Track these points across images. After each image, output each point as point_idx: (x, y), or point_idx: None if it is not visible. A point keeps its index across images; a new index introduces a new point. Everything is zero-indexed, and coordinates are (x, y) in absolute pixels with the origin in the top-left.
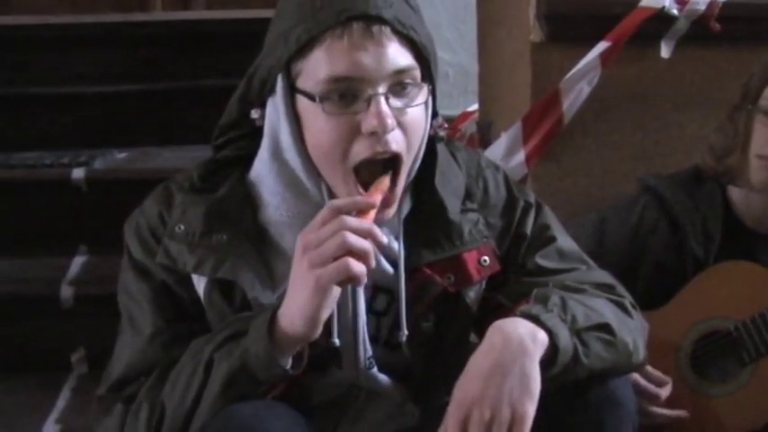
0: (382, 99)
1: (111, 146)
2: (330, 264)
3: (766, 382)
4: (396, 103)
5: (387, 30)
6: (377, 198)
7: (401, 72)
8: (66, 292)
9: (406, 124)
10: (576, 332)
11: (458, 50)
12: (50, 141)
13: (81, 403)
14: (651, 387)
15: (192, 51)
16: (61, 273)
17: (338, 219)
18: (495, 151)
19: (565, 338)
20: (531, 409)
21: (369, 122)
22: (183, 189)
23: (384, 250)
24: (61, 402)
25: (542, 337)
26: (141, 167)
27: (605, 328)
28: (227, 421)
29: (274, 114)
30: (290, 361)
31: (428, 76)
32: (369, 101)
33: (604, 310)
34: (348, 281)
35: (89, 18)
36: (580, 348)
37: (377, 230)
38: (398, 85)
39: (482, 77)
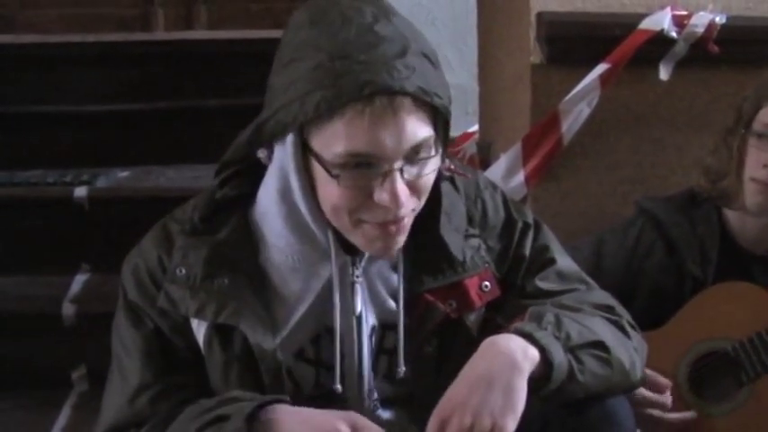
0: (398, 175)
1: (114, 164)
2: None
3: (764, 401)
4: (410, 171)
5: (407, 101)
6: None
7: (419, 145)
8: (68, 309)
9: (418, 188)
10: (570, 349)
11: (458, 71)
12: (53, 160)
13: (82, 421)
14: (656, 396)
15: (195, 71)
16: (63, 291)
17: None
18: (495, 172)
19: (558, 355)
20: (511, 424)
21: (382, 197)
22: (183, 232)
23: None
24: (62, 420)
25: (533, 353)
26: (143, 186)
27: (599, 345)
28: None
29: (286, 159)
30: None
31: (441, 133)
32: (384, 176)
33: (599, 328)
34: None
35: (92, 37)
36: (575, 365)
37: None
38: (415, 155)
39: (482, 98)
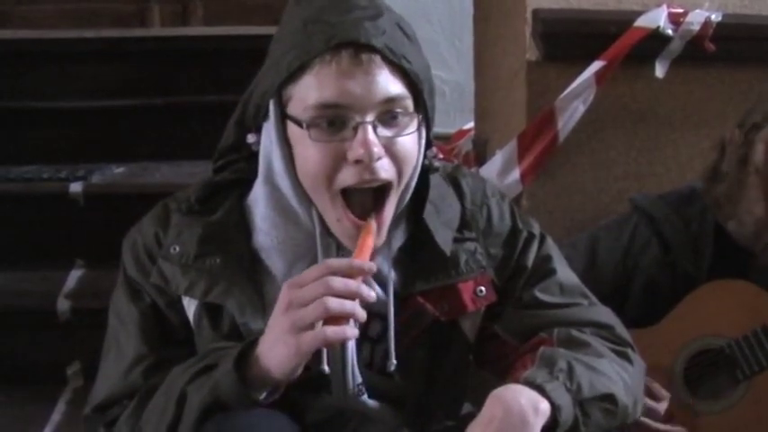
0: (369, 127)
1: (109, 160)
2: (310, 331)
3: (760, 399)
4: (384, 132)
5: (376, 58)
6: (372, 265)
7: (391, 101)
8: (63, 305)
9: (395, 153)
10: (580, 402)
11: (455, 69)
12: (48, 155)
13: (76, 416)
14: (652, 404)
15: (191, 67)
16: (58, 286)
17: (323, 280)
18: (491, 169)
19: (567, 412)
20: None
21: (355, 151)
22: (180, 210)
23: (371, 296)
24: (56, 415)
25: (544, 407)
26: (139, 182)
27: (609, 398)
28: (221, 424)
29: (267, 140)
30: (264, 393)
31: (421, 105)
32: (356, 129)
33: (610, 373)
34: (329, 346)
35: (88, 33)
36: (581, 418)
37: (364, 290)
38: (388, 113)
39: (478, 95)
